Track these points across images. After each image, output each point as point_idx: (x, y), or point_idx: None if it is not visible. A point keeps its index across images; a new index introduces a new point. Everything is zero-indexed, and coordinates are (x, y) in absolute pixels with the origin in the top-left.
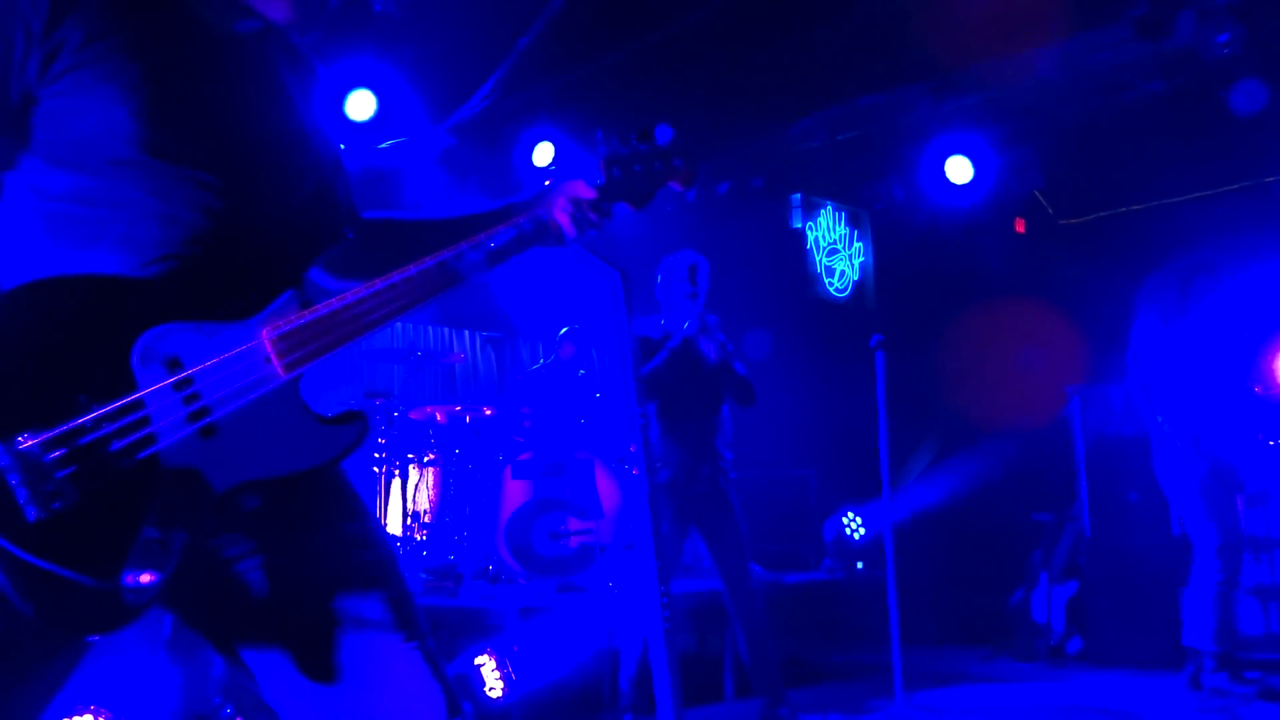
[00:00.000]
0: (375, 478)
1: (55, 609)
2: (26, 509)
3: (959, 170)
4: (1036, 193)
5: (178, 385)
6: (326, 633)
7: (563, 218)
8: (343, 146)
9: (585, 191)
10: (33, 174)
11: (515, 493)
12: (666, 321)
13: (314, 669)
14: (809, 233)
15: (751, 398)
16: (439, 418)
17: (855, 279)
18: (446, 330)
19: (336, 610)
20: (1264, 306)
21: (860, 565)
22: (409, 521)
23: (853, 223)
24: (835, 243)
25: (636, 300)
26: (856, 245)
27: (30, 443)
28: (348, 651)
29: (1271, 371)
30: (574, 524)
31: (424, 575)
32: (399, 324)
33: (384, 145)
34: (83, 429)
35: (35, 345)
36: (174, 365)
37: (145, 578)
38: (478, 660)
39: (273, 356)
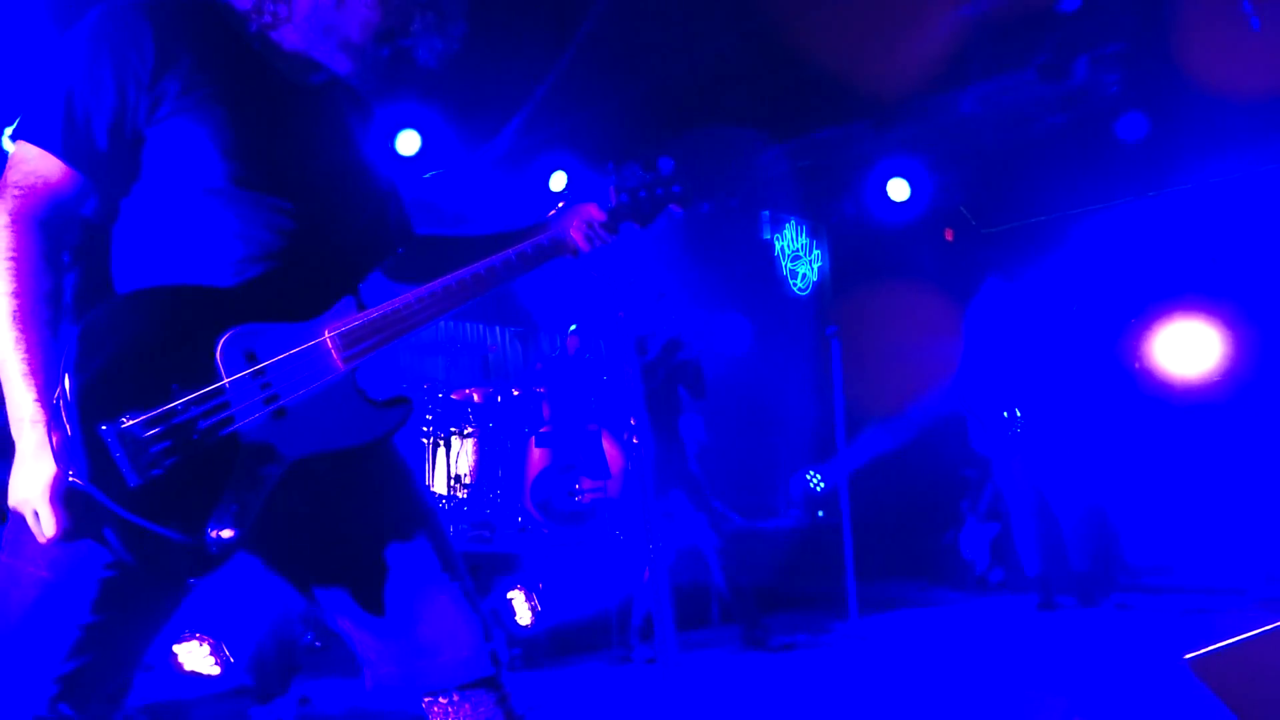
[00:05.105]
0: (423, 448)
1: (153, 558)
2: (128, 476)
3: (898, 190)
4: (961, 207)
5: (254, 375)
6: (381, 574)
7: (577, 235)
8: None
9: (597, 214)
10: (141, 200)
11: (538, 459)
12: (641, 331)
13: (372, 603)
14: (776, 242)
15: (704, 391)
16: (476, 398)
17: (815, 280)
18: (482, 326)
19: (390, 555)
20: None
21: (821, 514)
22: (452, 483)
23: (812, 234)
24: (798, 250)
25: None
26: (816, 252)
27: (131, 423)
28: (400, 589)
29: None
30: (586, 483)
31: (465, 527)
32: (443, 322)
33: (427, 175)
34: (175, 411)
35: (138, 342)
36: (251, 359)
37: (226, 533)
38: (509, 595)
39: (333, 352)
